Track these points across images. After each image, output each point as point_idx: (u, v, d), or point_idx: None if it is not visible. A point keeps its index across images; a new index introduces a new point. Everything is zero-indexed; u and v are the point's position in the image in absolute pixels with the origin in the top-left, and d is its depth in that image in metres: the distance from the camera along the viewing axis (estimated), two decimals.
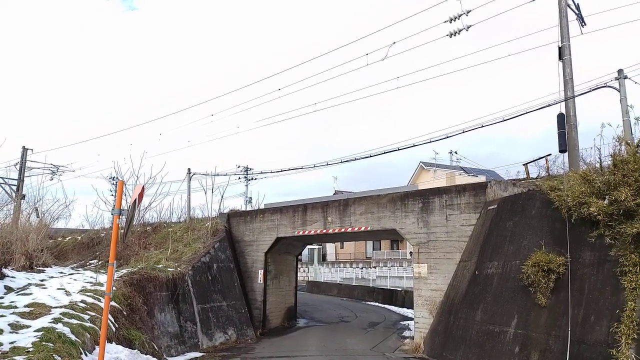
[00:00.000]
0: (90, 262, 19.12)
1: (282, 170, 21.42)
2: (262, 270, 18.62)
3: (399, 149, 16.31)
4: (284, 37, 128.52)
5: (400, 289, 29.51)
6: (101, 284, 11.70)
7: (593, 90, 12.44)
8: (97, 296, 10.59)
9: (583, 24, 13.10)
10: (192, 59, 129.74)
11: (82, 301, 9.96)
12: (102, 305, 9.58)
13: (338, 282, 39.74)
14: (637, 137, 9.84)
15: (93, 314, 9.42)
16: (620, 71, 11.38)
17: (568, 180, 9.78)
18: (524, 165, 13.76)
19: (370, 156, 17.14)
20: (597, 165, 9.58)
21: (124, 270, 13.52)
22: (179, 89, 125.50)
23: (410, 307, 19.38)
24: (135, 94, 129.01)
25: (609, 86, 11.53)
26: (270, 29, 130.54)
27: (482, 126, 14.27)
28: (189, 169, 23.52)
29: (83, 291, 10.88)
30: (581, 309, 8.37)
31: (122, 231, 8.28)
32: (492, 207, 12.23)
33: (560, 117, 11.74)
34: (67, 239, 23.24)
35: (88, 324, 8.77)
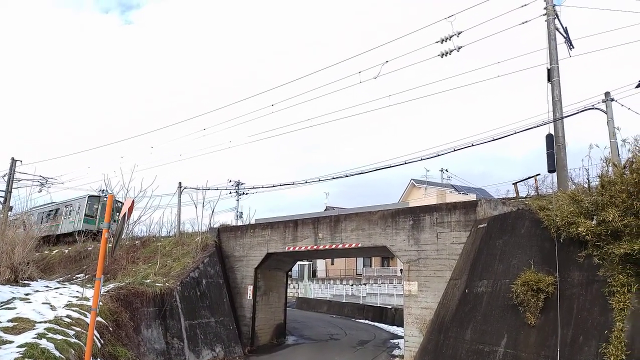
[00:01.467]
0: (77, 276, 18.83)
1: (273, 186, 21.38)
2: (252, 286, 18.45)
3: (390, 166, 16.40)
4: (277, 53, 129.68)
5: (390, 307, 29.35)
6: (87, 299, 11.52)
7: (581, 111, 12.67)
8: (83, 311, 10.41)
9: (571, 47, 13.39)
10: (185, 73, 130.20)
11: (67, 316, 9.78)
12: (87, 320, 9.42)
13: (328, 298, 39.45)
14: (624, 159, 10.00)
15: (78, 329, 9.25)
16: (607, 94, 11.61)
17: (557, 200, 9.89)
18: (513, 184, 13.91)
19: (362, 173, 17.22)
20: (586, 185, 9.71)
21: (111, 285, 13.33)
22: (171, 103, 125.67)
23: (401, 325, 19.28)
24: (127, 108, 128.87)
25: (596, 108, 11.75)
26: (264, 45, 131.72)
27: (473, 145, 14.42)
28: (179, 183, 23.39)
29: (69, 306, 10.70)
30: (570, 329, 8.38)
31: (111, 245, 8.20)
32: (482, 225, 12.29)
33: (549, 137, 11.91)
34: (54, 252, 22.91)
35: (73, 340, 8.60)
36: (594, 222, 8.43)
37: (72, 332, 8.92)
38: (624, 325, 7.51)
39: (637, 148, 8.63)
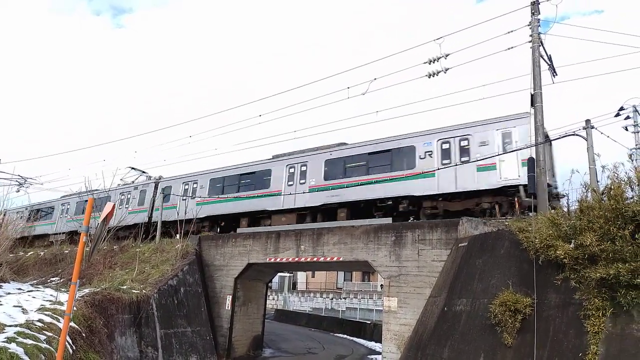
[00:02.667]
0: (52, 279, 18.38)
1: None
2: (231, 296, 18.24)
3: (376, 182, 16.53)
4: (266, 63, 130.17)
5: (369, 322, 29.28)
6: (61, 303, 11.24)
7: (562, 137, 12.98)
8: (56, 316, 10.16)
9: (554, 74, 13.76)
10: (182, 75, 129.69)
11: (39, 320, 9.54)
12: (60, 325, 9.19)
13: (307, 311, 39.20)
14: (602, 185, 10.25)
15: (50, 334, 9.02)
16: (587, 121, 11.94)
17: (536, 222, 10.06)
18: (495, 205, 14.11)
19: (348, 186, 17.29)
20: (565, 209, 9.91)
21: (86, 290, 13.04)
22: (157, 108, 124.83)
23: (379, 340, 19.23)
24: (111, 111, 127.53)
25: (577, 135, 12.05)
26: (253, 55, 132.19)
27: (457, 164, 14.64)
28: (162, 189, 23.14)
29: (41, 310, 10.43)
30: (546, 351, 8.48)
31: (88, 249, 8.06)
32: (462, 244, 12.41)
33: (531, 161, 12.15)
34: (29, 253, 22.37)
35: (44, 345, 8.38)
36: (572, 245, 8.59)
37: (43, 337, 8.70)
38: (597, 348, 7.63)
39: (616, 175, 8.86)
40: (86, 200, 25.62)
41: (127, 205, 24.95)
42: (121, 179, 27.36)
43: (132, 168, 27.71)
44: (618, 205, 8.09)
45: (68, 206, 28.82)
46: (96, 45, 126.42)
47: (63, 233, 27.57)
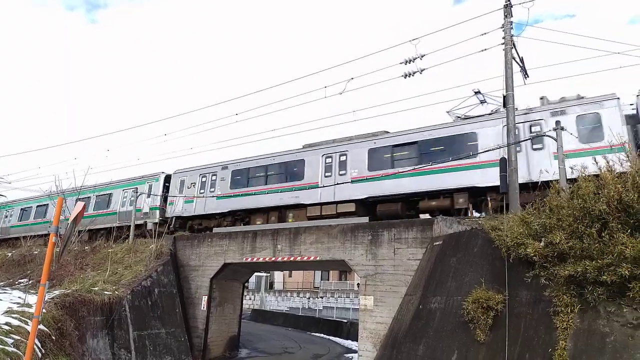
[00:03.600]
0: (20, 281, 17.82)
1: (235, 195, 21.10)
2: (207, 297, 18.05)
3: (352, 181, 16.60)
4: (242, 62, 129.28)
5: (345, 321, 29.41)
6: (30, 306, 10.92)
7: (533, 137, 13.29)
8: (24, 318, 9.87)
9: (526, 75, 14.09)
10: (146, 76, 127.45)
11: (6, 323, 9.25)
12: (28, 328, 8.93)
13: (284, 311, 39.11)
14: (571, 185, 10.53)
15: (18, 337, 8.76)
16: (557, 122, 12.25)
17: (507, 221, 10.28)
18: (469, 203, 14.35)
19: (325, 186, 17.31)
20: (535, 208, 10.14)
21: (57, 292, 12.71)
22: (130, 105, 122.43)
23: (355, 339, 19.33)
24: (82, 108, 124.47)
25: (547, 135, 12.36)
26: (229, 54, 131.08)
27: (432, 164, 14.83)
28: (136, 188, 22.71)
29: (8, 313, 10.11)
30: (517, 347, 8.67)
31: (58, 250, 7.85)
32: (437, 243, 12.59)
33: (503, 161, 12.41)
34: None
35: (11, 349, 8.14)
36: (542, 243, 8.80)
37: (10, 341, 8.44)
38: (566, 343, 7.85)
39: (583, 175, 9.12)
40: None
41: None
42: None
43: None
44: (586, 204, 8.33)
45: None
46: (68, 40, 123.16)
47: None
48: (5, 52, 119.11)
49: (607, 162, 8.87)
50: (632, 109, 13.21)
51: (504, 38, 13.10)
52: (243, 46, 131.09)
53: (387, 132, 17.21)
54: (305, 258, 16.10)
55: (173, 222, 21.00)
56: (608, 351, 7.34)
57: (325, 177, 17.45)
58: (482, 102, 15.09)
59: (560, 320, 8.14)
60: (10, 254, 21.38)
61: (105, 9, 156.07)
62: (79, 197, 24.00)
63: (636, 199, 7.74)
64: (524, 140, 13.45)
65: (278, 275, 53.51)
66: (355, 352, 19.49)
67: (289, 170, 18.65)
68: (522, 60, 13.82)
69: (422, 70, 13.88)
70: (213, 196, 20.30)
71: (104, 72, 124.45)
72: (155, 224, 21.42)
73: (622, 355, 7.17)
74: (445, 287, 11.06)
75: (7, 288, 15.63)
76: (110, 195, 24.10)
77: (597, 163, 9.11)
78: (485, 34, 13.11)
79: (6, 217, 29.95)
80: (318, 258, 15.82)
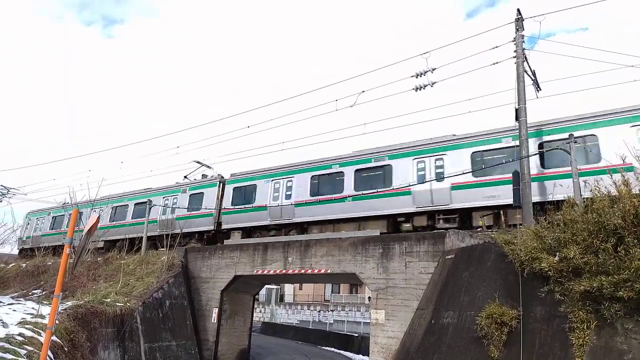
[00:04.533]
0: (34, 292, 18.00)
1: (245, 207, 21.19)
2: (217, 309, 18.03)
3: (362, 194, 16.57)
4: (255, 76, 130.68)
5: (356, 335, 29.11)
6: (43, 317, 11.01)
7: (546, 151, 13.18)
8: (37, 329, 9.94)
9: (539, 89, 14.03)
10: (160, 89, 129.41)
11: (20, 334, 9.32)
12: (42, 339, 9.00)
13: (294, 324, 38.86)
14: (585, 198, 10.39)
15: (31, 348, 8.81)
16: (570, 135, 12.13)
17: (521, 235, 10.16)
18: (480, 217, 14.23)
19: (335, 200, 17.29)
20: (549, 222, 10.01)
21: (69, 303, 12.81)
22: (143, 118, 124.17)
23: (366, 353, 19.10)
24: (96, 121, 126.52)
25: (561, 149, 12.24)
26: (242, 66, 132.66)
27: (444, 177, 14.77)
28: (149, 200, 22.92)
29: (22, 323, 10.20)
30: None
31: (72, 261, 7.93)
32: (449, 256, 12.47)
33: (516, 174, 12.30)
34: (10, 265, 21.91)
35: None
36: (557, 258, 8.68)
37: (24, 352, 8.49)
38: None
39: (597, 189, 9.01)
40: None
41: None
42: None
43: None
44: (600, 218, 8.22)
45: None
46: (83, 54, 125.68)
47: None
48: (22, 66, 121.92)
49: (623, 176, 8.75)
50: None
51: (515, 51, 13.08)
52: (255, 59, 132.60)
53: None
54: (316, 271, 16.04)
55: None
56: None
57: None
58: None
59: (576, 336, 7.98)
60: (24, 265, 21.63)
61: (122, 24, 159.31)
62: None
63: None
64: (537, 153, 13.35)
65: (289, 288, 53.31)
66: None
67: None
68: (534, 73, 13.78)
69: (433, 84, 13.89)
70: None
71: (119, 85, 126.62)
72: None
73: None
74: (458, 301, 10.92)
75: (21, 299, 15.79)
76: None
77: (611, 176, 9.00)
78: (496, 47, 13.11)
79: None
80: (329, 271, 15.75)
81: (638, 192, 8.27)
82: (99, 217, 8.28)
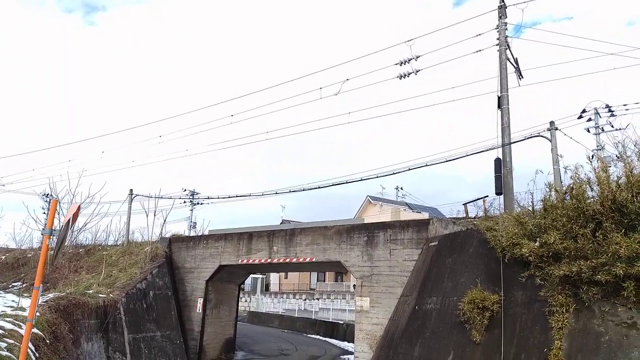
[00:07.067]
0: (14, 284, 17.69)
1: (229, 197, 21.12)
2: (202, 299, 17.98)
3: (347, 182, 16.62)
4: (237, 63, 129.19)
5: (342, 322, 29.38)
6: (23, 309, 10.83)
7: (528, 138, 13.35)
8: (17, 322, 9.78)
9: (521, 76, 14.14)
10: (141, 78, 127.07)
11: (0, 327, 9.16)
12: (22, 332, 8.86)
13: (280, 313, 39.01)
14: (565, 185, 10.59)
15: (11, 341, 8.67)
16: (552, 123, 12.32)
17: (503, 221, 10.30)
18: (463, 205, 14.41)
19: (319, 187, 17.33)
20: (530, 208, 10.18)
21: (51, 295, 12.62)
22: (125, 107, 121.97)
23: (352, 340, 19.32)
24: (76, 110, 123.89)
25: (541, 136, 12.42)
26: (224, 55, 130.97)
27: (427, 165, 14.86)
28: (130, 190, 22.62)
29: (2, 316, 10.03)
30: (513, 347, 8.68)
31: (52, 252, 7.80)
32: (433, 243, 12.61)
33: (497, 161, 12.45)
34: None
35: (4, 353, 8.06)
36: (537, 244, 8.83)
37: (4, 345, 8.36)
38: (561, 343, 7.87)
39: (577, 175, 9.16)
40: None
41: None
42: None
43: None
44: (580, 204, 8.37)
45: None
46: (65, 42, 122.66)
47: None
48: (0, 54, 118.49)
49: (602, 162, 8.91)
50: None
51: (498, 39, 13.15)
52: (238, 47, 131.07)
53: None
54: (301, 259, 16.08)
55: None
56: (603, 350, 7.36)
57: None
58: None
59: (555, 320, 8.16)
60: (4, 257, 21.22)
61: (104, 12, 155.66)
62: None
63: (630, 199, 7.78)
64: (519, 141, 13.50)
65: (274, 277, 53.45)
66: (351, 353, 19.47)
67: None
68: (516, 61, 13.88)
69: (417, 71, 13.90)
70: None
71: (100, 74, 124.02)
72: None
73: (617, 355, 7.19)
74: (441, 287, 11.07)
75: (0, 291, 15.52)
76: None
77: (590, 162, 9.16)
78: (480, 35, 13.15)
79: None
80: (314, 259, 15.80)
81: (616, 178, 8.43)
82: (79, 207, 8.13)
